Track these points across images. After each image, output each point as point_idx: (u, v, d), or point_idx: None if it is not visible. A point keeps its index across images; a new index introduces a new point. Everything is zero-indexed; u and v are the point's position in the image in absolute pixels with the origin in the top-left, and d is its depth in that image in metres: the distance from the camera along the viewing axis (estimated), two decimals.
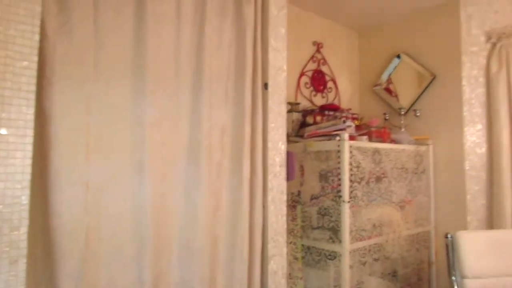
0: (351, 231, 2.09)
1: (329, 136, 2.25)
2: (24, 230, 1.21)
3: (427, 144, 2.70)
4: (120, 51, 1.57)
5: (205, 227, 1.71)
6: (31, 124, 1.27)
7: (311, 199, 2.28)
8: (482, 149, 2.55)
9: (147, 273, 1.52)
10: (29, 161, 1.25)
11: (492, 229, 2.42)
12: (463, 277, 1.92)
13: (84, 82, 1.47)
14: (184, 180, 1.70)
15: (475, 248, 1.95)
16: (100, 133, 1.50)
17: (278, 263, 1.93)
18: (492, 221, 2.49)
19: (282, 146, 2.03)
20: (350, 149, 2.14)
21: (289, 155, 2.07)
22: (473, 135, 2.56)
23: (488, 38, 2.60)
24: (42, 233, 1.32)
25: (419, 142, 2.67)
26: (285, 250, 1.97)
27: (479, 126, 2.56)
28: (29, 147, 1.26)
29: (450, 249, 1.99)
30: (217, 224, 1.77)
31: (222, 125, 1.84)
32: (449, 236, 2.01)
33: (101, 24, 1.53)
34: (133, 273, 1.51)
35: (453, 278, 1.95)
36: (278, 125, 2.04)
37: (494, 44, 2.59)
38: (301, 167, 2.34)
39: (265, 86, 2.01)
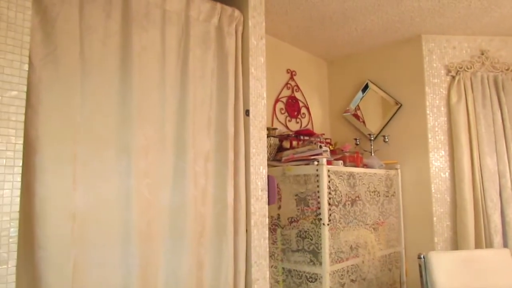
0: (330, 253, 2.13)
1: (307, 160, 2.30)
2: (12, 263, 1.15)
3: (396, 169, 2.81)
4: (106, 80, 1.55)
5: (190, 253, 1.68)
6: (19, 155, 1.23)
7: (290, 222, 2.31)
8: (446, 174, 2.70)
9: None
10: (17, 192, 1.20)
11: (458, 250, 2.53)
12: None
13: (70, 110, 1.43)
14: (169, 207, 1.68)
15: (446, 267, 2.04)
16: (87, 162, 1.46)
17: (261, 287, 1.93)
18: (457, 241, 2.60)
19: (263, 171, 2.05)
20: (328, 173, 2.20)
21: (270, 179, 2.09)
22: (438, 161, 2.70)
23: (448, 71, 2.78)
24: (28, 266, 1.26)
25: (388, 166, 2.78)
26: (268, 273, 1.97)
27: (443, 152, 2.71)
28: (18, 178, 1.21)
29: (423, 268, 2.06)
30: (203, 249, 1.75)
31: (206, 151, 1.84)
32: (422, 256, 2.08)
33: (87, 54, 1.50)
34: None
35: None
36: (259, 150, 2.06)
37: (453, 77, 2.77)
38: (279, 190, 2.37)
39: (247, 113, 2.04)
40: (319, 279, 2.12)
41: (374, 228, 2.52)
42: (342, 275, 2.24)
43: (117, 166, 1.53)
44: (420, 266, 2.08)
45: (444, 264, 2.05)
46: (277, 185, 2.31)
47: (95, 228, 1.44)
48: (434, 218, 2.63)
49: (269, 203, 2.06)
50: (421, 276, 2.08)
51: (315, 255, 2.16)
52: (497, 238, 2.50)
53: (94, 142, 1.49)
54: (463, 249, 2.50)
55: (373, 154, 2.87)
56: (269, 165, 2.36)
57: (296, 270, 2.23)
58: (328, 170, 2.21)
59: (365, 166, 2.64)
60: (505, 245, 2.53)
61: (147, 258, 1.55)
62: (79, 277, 1.37)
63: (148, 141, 1.63)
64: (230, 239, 1.82)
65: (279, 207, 2.38)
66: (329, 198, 2.19)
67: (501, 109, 2.67)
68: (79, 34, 1.47)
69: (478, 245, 2.53)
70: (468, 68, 2.75)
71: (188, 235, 1.69)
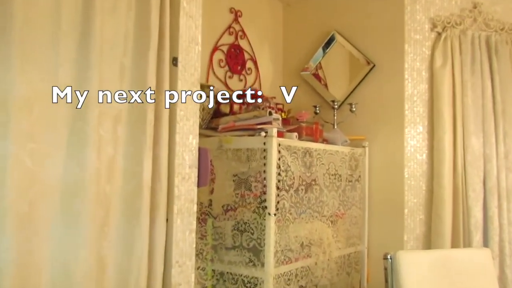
0: (276, 252, 2.19)
1: (252, 130, 2.32)
2: None
3: (363, 146, 2.94)
4: None
5: (89, 247, 1.65)
6: None
7: (226, 210, 2.34)
8: (423, 155, 2.86)
9: None
10: None
11: (432, 249, 2.71)
12: None
13: None
14: (61, 182, 1.63)
15: (417, 270, 2.18)
16: None
17: None
18: (430, 239, 2.79)
19: (193, 141, 2.05)
20: (278, 148, 2.24)
21: (201, 152, 2.09)
22: (414, 139, 2.85)
23: (433, 26, 2.91)
24: None
25: (354, 143, 2.90)
26: (193, 276, 2.00)
27: (420, 128, 2.87)
28: None
29: (389, 271, 2.20)
30: (106, 242, 1.73)
31: (117, 111, 1.80)
32: (389, 257, 2.21)
33: None
34: None
35: None
36: (188, 114, 2.05)
37: (439, 34, 2.91)
38: (212, 168, 2.38)
39: (174, 62, 2.01)
40: (260, 284, 2.18)
41: (332, 221, 2.63)
42: (289, 279, 2.32)
43: None
44: (386, 269, 2.21)
45: (414, 266, 2.19)
46: (211, 161, 2.31)
47: None
48: (406, 210, 2.80)
49: (199, 185, 2.07)
50: (386, 281, 2.21)
51: (256, 254, 2.21)
52: (477, 236, 2.72)
53: None
54: (438, 248, 2.69)
55: (336, 127, 2.96)
56: (201, 134, 2.36)
57: (231, 273, 2.28)
58: (279, 144, 2.25)
59: (325, 141, 2.73)
60: (485, 244, 2.74)
61: (28, 252, 1.50)
62: None
63: (34, 92, 1.55)
64: (145, 230, 1.81)
65: (212, 191, 2.40)
66: (278, 181, 2.23)
67: (492, 78, 2.85)
68: None
69: (455, 244, 2.73)
70: (457, 24, 2.89)
71: (87, 222, 1.65)
